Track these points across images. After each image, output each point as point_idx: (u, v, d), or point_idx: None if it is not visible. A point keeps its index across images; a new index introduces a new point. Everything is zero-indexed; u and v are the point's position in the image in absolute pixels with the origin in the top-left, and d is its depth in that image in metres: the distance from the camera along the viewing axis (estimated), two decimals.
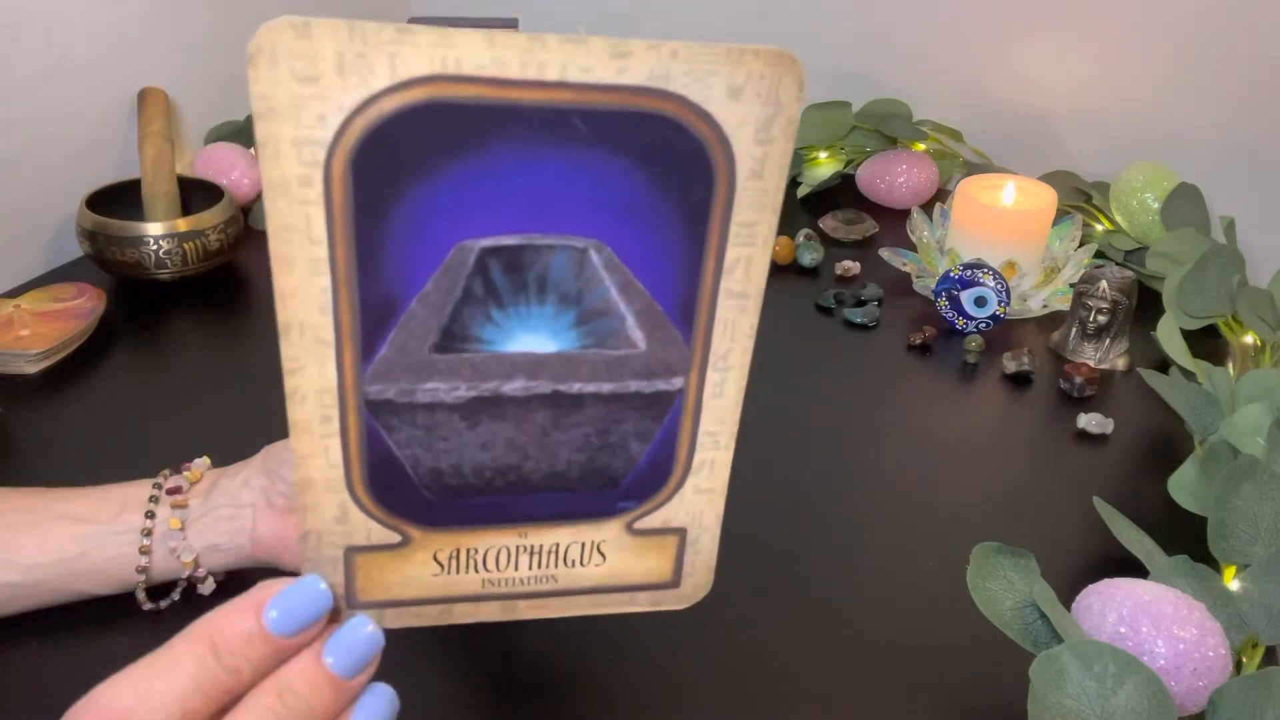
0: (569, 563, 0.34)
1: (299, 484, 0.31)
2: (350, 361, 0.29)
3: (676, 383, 0.32)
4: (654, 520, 0.35)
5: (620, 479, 0.33)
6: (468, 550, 0.33)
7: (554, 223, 0.29)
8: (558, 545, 0.34)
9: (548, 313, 0.30)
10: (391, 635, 0.31)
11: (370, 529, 0.32)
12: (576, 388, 0.31)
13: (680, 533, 0.35)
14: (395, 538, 0.32)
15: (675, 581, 0.36)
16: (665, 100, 0.27)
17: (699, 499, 0.35)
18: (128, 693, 0.26)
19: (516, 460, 0.32)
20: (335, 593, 0.31)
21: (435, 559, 0.33)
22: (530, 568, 0.34)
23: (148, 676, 0.27)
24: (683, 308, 0.31)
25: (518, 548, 0.34)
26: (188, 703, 0.27)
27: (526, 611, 0.35)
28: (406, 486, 0.32)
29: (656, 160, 0.28)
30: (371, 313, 0.29)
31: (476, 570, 0.34)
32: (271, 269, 0.27)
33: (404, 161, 0.27)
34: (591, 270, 0.30)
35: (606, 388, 0.31)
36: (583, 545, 0.34)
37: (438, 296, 0.29)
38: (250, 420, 0.64)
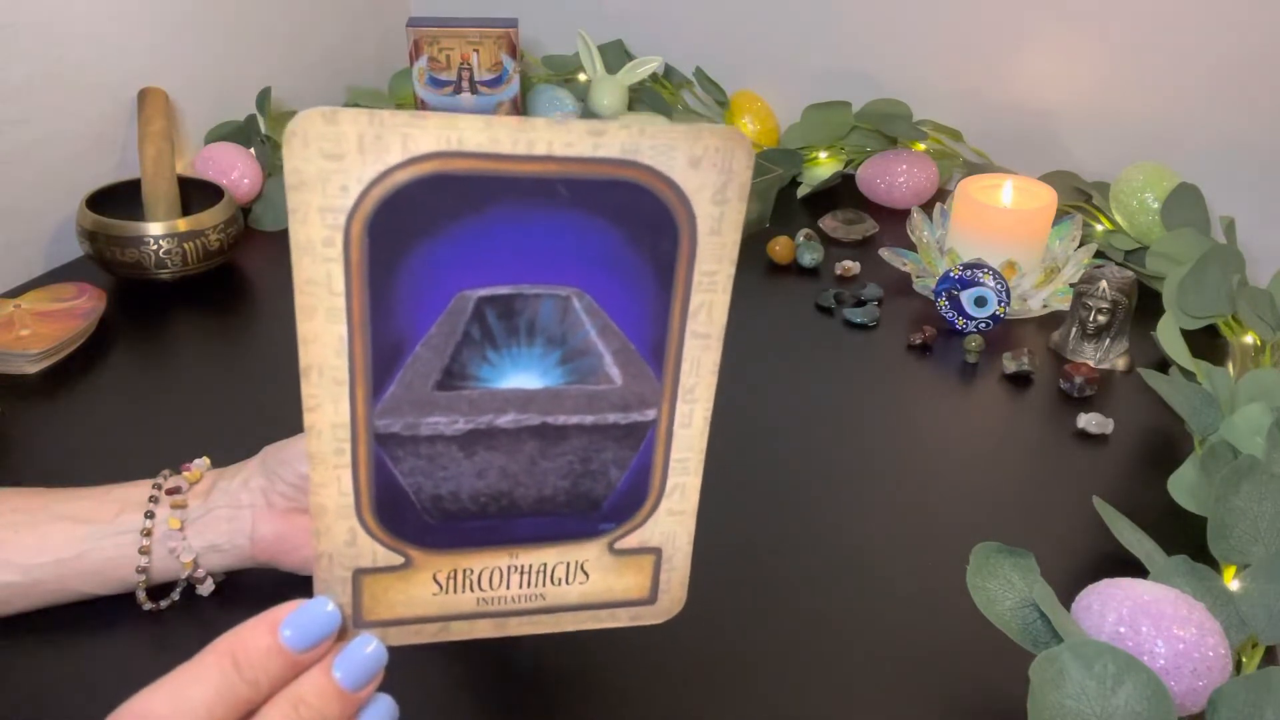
0: (556, 581, 0.37)
1: (314, 510, 0.34)
2: (362, 399, 0.32)
3: (650, 414, 0.35)
4: (632, 541, 0.38)
5: (601, 503, 0.37)
6: (464, 570, 0.36)
7: (541, 274, 0.32)
8: (545, 565, 0.37)
9: (536, 353, 0.33)
10: (393, 649, 0.34)
11: (376, 551, 0.35)
12: (562, 420, 0.34)
13: (656, 552, 0.38)
14: (398, 560, 0.35)
15: (653, 598, 0.39)
16: (636, 170, 0.31)
17: (672, 520, 0.38)
18: (162, 700, 0.29)
19: (508, 487, 0.35)
20: (344, 612, 0.34)
21: (434, 579, 0.36)
22: (521, 586, 0.37)
23: (179, 686, 0.30)
24: (654, 347, 0.34)
25: (509, 568, 0.37)
26: (214, 711, 0.29)
27: (517, 628, 0.38)
28: (409, 512, 0.35)
29: (629, 220, 0.32)
30: (382, 355, 0.32)
31: (472, 589, 0.37)
32: (295, 318, 0.31)
33: (412, 224, 0.30)
34: (574, 315, 0.33)
35: (588, 419, 0.35)
36: (568, 564, 0.37)
37: (440, 340, 0.32)
38: (250, 420, 0.65)
